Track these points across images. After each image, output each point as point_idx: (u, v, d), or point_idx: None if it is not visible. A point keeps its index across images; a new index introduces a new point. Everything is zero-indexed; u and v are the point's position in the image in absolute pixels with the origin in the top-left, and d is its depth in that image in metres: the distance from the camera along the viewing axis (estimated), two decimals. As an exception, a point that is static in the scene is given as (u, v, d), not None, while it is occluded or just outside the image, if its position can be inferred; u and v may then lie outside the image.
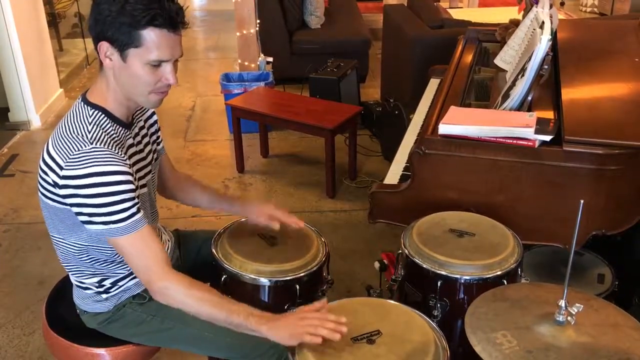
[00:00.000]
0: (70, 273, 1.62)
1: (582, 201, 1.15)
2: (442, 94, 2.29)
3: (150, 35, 1.35)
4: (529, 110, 1.97)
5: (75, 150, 1.37)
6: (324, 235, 1.84)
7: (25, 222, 3.30)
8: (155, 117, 1.71)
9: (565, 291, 1.19)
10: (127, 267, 1.57)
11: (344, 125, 3.42)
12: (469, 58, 2.64)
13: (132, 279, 1.59)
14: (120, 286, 1.59)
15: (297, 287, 1.65)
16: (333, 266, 1.87)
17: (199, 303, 1.41)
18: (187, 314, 1.44)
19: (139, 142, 1.58)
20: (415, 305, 1.52)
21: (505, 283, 1.59)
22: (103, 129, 1.43)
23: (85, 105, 1.46)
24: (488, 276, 1.60)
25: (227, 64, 5.94)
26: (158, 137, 1.73)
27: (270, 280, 1.65)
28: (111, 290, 1.59)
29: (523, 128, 1.79)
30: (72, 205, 1.39)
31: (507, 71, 2.31)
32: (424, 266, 1.64)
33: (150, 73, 1.39)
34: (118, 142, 1.45)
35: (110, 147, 1.39)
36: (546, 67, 1.96)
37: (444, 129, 1.88)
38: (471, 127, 1.85)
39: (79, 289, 1.61)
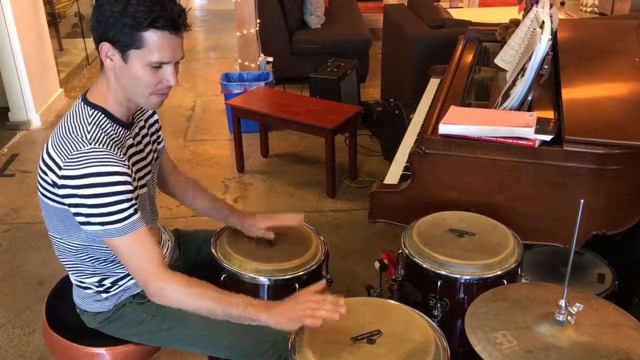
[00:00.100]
0: (70, 273, 1.62)
1: (582, 201, 1.15)
2: (442, 94, 2.29)
3: (152, 37, 1.35)
4: (529, 110, 1.97)
5: (74, 151, 1.36)
6: (323, 234, 1.83)
7: (25, 222, 3.30)
8: (155, 117, 1.71)
9: (566, 291, 1.19)
10: (127, 266, 1.57)
11: (344, 125, 3.42)
12: (469, 58, 2.64)
13: (132, 278, 1.59)
14: (120, 286, 1.59)
15: (297, 286, 1.65)
16: (333, 266, 1.87)
17: (197, 299, 1.41)
18: (188, 314, 1.44)
19: (139, 142, 1.58)
20: (415, 305, 1.52)
21: (506, 283, 1.59)
22: (102, 129, 1.43)
23: (85, 106, 1.46)
24: (488, 276, 1.60)
25: (227, 63, 5.94)
26: (159, 137, 1.73)
27: (269, 280, 1.65)
28: (111, 290, 1.59)
29: (523, 128, 1.79)
30: (70, 205, 1.39)
31: (507, 71, 2.31)
32: (424, 266, 1.64)
33: (151, 74, 1.39)
34: (117, 142, 1.45)
35: (109, 148, 1.39)
36: (546, 66, 1.96)
37: (444, 128, 1.88)
38: (471, 126, 1.85)
39: (79, 288, 1.61)
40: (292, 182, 3.67)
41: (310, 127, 3.43)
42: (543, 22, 1.97)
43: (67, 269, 1.61)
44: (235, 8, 4.48)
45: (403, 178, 2.09)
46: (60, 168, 1.37)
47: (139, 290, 1.60)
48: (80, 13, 6.03)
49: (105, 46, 1.37)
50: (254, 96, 3.86)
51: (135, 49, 1.35)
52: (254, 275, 1.65)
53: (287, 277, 1.65)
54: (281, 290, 1.66)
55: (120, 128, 1.49)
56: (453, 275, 1.61)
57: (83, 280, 1.58)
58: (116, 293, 1.59)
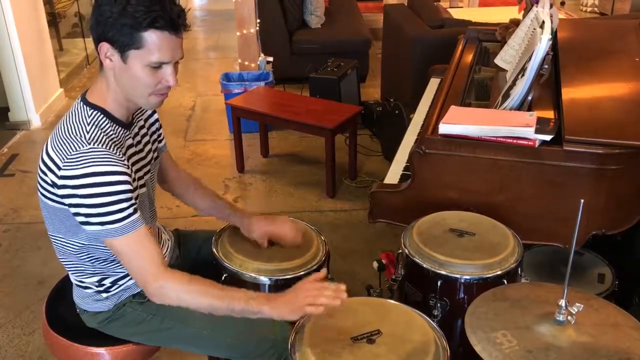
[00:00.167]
0: (70, 272, 1.62)
1: (582, 201, 1.15)
2: (442, 94, 2.29)
3: (152, 37, 1.34)
4: (529, 109, 1.97)
5: (73, 151, 1.36)
6: (324, 234, 1.84)
7: (25, 222, 3.30)
8: (155, 116, 1.71)
9: (566, 291, 1.19)
10: (127, 266, 1.57)
11: (344, 125, 3.42)
12: (469, 58, 2.64)
13: (132, 277, 1.59)
14: (120, 285, 1.59)
15: (297, 286, 1.65)
16: (333, 266, 1.87)
17: (197, 296, 1.41)
18: (188, 314, 1.44)
19: (139, 142, 1.58)
20: (415, 305, 1.52)
21: (506, 283, 1.59)
22: (102, 129, 1.43)
23: (85, 106, 1.45)
24: (488, 276, 1.60)
25: (227, 63, 5.94)
26: (159, 136, 1.73)
27: (270, 279, 1.65)
28: (111, 290, 1.59)
29: (523, 128, 1.79)
30: (70, 205, 1.39)
31: (507, 71, 2.31)
32: (424, 266, 1.64)
33: (150, 75, 1.39)
34: (117, 142, 1.45)
35: (108, 148, 1.39)
36: (546, 66, 1.96)
37: (444, 128, 1.88)
38: (471, 126, 1.85)
39: (79, 288, 1.61)
40: (292, 182, 3.67)
41: (310, 127, 3.43)
42: (543, 22, 1.97)
43: (67, 268, 1.61)
44: (235, 8, 4.48)
45: (403, 178, 2.09)
46: (59, 168, 1.37)
47: (139, 290, 1.60)
48: (80, 13, 6.03)
49: (105, 46, 1.37)
50: (254, 96, 3.86)
51: (135, 49, 1.35)
52: (255, 275, 1.65)
53: (288, 276, 1.65)
54: (282, 290, 1.66)
55: (120, 128, 1.49)
56: (453, 275, 1.61)
57: (83, 280, 1.58)
58: (116, 293, 1.59)
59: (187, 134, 4.37)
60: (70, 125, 1.42)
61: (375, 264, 2.27)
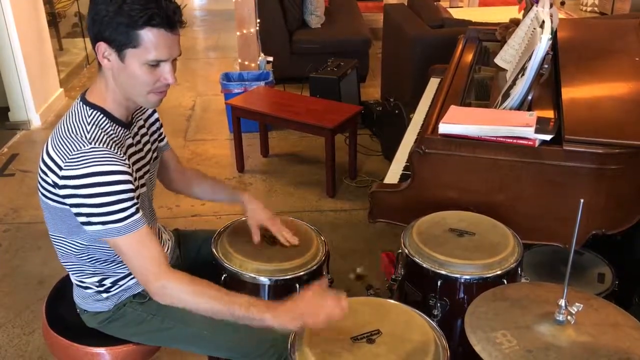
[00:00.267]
0: (70, 272, 1.62)
1: (582, 200, 1.15)
2: (442, 94, 2.29)
3: (148, 35, 1.34)
4: (529, 109, 1.97)
5: (75, 151, 1.36)
6: (324, 234, 1.83)
7: (25, 221, 3.30)
8: (156, 115, 1.71)
9: (565, 290, 1.19)
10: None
11: (344, 124, 3.42)
12: (469, 57, 2.64)
13: (132, 278, 1.59)
14: (121, 285, 1.59)
15: (297, 286, 1.65)
16: (333, 266, 1.87)
17: (199, 299, 1.40)
18: (188, 313, 1.43)
19: (138, 142, 1.58)
20: (415, 305, 1.52)
21: (505, 282, 1.59)
22: (102, 129, 1.43)
23: (85, 106, 1.45)
24: (488, 276, 1.60)
25: (227, 63, 5.94)
26: (160, 135, 1.73)
27: (270, 279, 1.65)
28: (111, 290, 1.59)
29: (523, 127, 1.79)
30: (71, 205, 1.39)
31: (507, 70, 2.31)
32: (424, 266, 1.64)
33: (148, 73, 1.39)
34: (117, 142, 1.45)
35: (109, 147, 1.39)
36: (546, 66, 1.96)
37: (444, 128, 1.88)
38: (471, 126, 1.85)
39: (79, 288, 1.61)
40: (292, 182, 3.67)
41: (310, 126, 3.43)
42: (543, 21, 1.97)
43: (67, 269, 1.61)
44: (235, 8, 4.48)
45: (403, 178, 2.09)
46: (60, 168, 1.36)
47: (139, 290, 1.60)
48: (80, 12, 6.03)
49: (102, 46, 1.37)
50: (254, 96, 3.86)
51: (132, 48, 1.35)
52: (254, 275, 1.65)
53: (288, 277, 1.65)
54: (282, 290, 1.66)
55: (120, 128, 1.49)
56: (453, 275, 1.61)
57: (83, 280, 1.58)
58: (116, 293, 1.59)
59: (187, 134, 4.37)
60: (71, 125, 1.42)
61: (351, 276, 2.29)
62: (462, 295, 1.64)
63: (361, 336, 1.36)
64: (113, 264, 1.55)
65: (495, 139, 1.82)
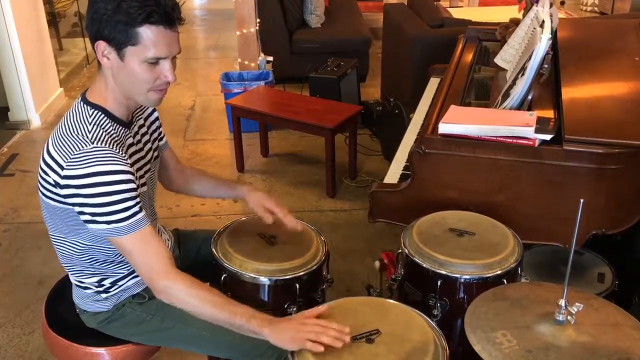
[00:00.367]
0: (69, 273, 1.61)
1: (582, 200, 1.15)
2: (442, 93, 2.29)
3: (147, 32, 1.34)
4: (529, 109, 1.97)
5: (76, 150, 1.36)
6: (324, 234, 1.83)
7: (25, 221, 3.30)
8: (155, 114, 1.71)
9: (565, 290, 1.19)
10: (127, 266, 1.57)
11: (344, 124, 3.42)
12: (469, 57, 2.63)
13: (131, 278, 1.59)
14: (120, 286, 1.59)
15: (297, 286, 1.64)
16: (333, 265, 1.86)
17: (201, 303, 1.40)
18: (187, 313, 1.43)
19: (139, 141, 1.58)
20: (415, 305, 1.52)
21: (505, 282, 1.59)
22: (103, 128, 1.43)
23: (85, 105, 1.45)
24: (488, 275, 1.60)
25: (227, 63, 5.94)
26: (160, 134, 1.73)
27: (270, 279, 1.65)
28: (111, 290, 1.59)
29: (523, 127, 1.79)
30: (73, 205, 1.39)
31: (507, 70, 2.31)
32: (424, 265, 1.64)
33: (148, 71, 1.39)
34: (118, 141, 1.45)
35: (111, 147, 1.39)
36: (546, 66, 1.96)
37: (444, 128, 1.88)
38: (471, 126, 1.85)
39: (79, 288, 1.61)
40: (292, 182, 3.67)
41: (310, 126, 3.43)
42: (543, 21, 1.97)
43: (66, 269, 1.61)
44: (235, 7, 4.48)
45: (403, 177, 2.09)
46: (62, 168, 1.36)
47: (138, 290, 1.60)
48: (80, 12, 6.03)
49: (101, 45, 1.37)
50: (254, 96, 3.86)
51: (131, 46, 1.35)
52: (254, 275, 1.65)
53: (288, 277, 1.65)
54: (281, 290, 1.66)
55: (120, 127, 1.49)
56: (453, 275, 1.61)
57: (83, 280, 1.58)
58: (116, 293, 1.59)
59: (186, 134, 4.37)
60: (72, 124, 1.42)
61: (377, 264, 2.27)
62: (462, 295, 1.63)
63: (361, 336, 1.36)
64: (112, 264, 1.55)
65: (495, 138, 1.82)
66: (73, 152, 1.36)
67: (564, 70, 2.16)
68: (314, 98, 3.94)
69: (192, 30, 7.34)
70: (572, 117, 1.85)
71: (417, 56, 3.69)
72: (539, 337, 1.18)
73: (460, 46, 2.78)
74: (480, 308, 1.28)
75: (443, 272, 1.61)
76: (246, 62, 4.63)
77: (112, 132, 1.45)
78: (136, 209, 1.39)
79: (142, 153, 1.58)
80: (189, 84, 5.41)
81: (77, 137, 1.38)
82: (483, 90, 2.47)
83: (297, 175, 3.75)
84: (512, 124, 1.81)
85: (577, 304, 1.18)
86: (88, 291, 1.59)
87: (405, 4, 4.72)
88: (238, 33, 4.56)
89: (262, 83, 4.17)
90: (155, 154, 1.67)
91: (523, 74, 1.95)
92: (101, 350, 1.61)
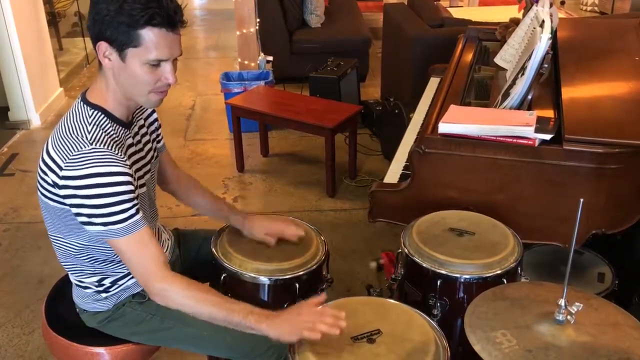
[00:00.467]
0: (69, 272, 1.61)
1: (581, 200, 1.15)
2: (442, 93, 2.29)
3: (149, 34, 1.34)
4: (529, 109, 1.97)
5: (75, 151, 1.36)
6: (324, 234, 1.83)
7: (25, 221, 3.30)
8: (155, 116, 1.71)
9: (565, 290, 1.19)
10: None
11: (344, 124, 3.42)
12: (469, 57, 2.63)
13: (131, 277, 1.59)
14: (120, 285, 1.59)
15: (297, 285, 1.65)
16: (333, 265, 1.86)
17: (198, 303, 1.41)
18: (187, 314, 1.43)
19: (139, 142, 1.57)
20: (415, 305, 1.52)
21: (505, 282, 1.59)
22: (103, 129, 1.43)
23: (85, 105, 1.45)
24: (488, 275, 1.60)
25: (227, 63, 5.94)
26: (158, 135, 1.73)
27: (269, 279, 1.65)
28: (111, 290, 1.59)
29: (523, 127, 1.79)
30: (71, 205, 1.39)
31: (507, 70, 2.31)
32: (424, 265, 1.64)
33: (149, 73, 1.39)
34: (118, 142, 1.45)
35: (110, 148, 1.39)
36: (546, 65, 1.96)
37: (443, 127, 1.88)
38: (471, 126, 1.85)
39: (79, 288, 1.61)
40: (292, 182, 3.66)
41: (310, 126, 3.43)
42: (543, 21, 1.97)
43: (66, 268, 1.61)
44: (235, 7, 4.48)
45: (403, 177, 2.09)
46: (61, 168, 1.36)
47: (138, 290, 1.60)
48: (80, 12, 6.03)
49: (103, 46, 1.37)
50: (254, 95, 3.86)
51: (133, 48, 1.35)
52: (254, 275, 1.65)
53: (288, 276, 1.65)
54: (281, 290, 1.66)
55: (120, 128, 1.48)
56: (453, 275, 1.61)
57: (82, 279, 1.58)
58: (116, 292, 1.59)
59: (186, 134, 4.37)
60: (71, 125, 1.42)
61: (373, 264, 2.27)
62: (461, 294, 1.63)
63: (361, 336, 1.36)
64: (112, 263, 1.55)
65: (495, 138, 1.82)
66: (72, 152, 1.36)
67: (563, 70, 2.16)
68: (314, 98, 3.94)
69: (192, 30, 7.34)
70: (572, 117, 1.85)
71: (417, 56, 3.69)
72: (539, 336, 1.18)
73: (460, 46, 2.78)
74: (480, 308, 1.28)
75: (443, 271, 1.61)
76: (246, 62, 4.63)
77: (112, 132, 1.45)
78: (133, 211, 1.39)
79: (142, 153, 1.58)
80: (189, 84, 5.41)
81: (76, 137, 1.38)
82: (483, 90, 2.47)
83: (297, 175, 3.75)
84: (512, 123, 1.81)
85: (576, 303, 1.18)
86: (88, 291, 1.59)
87: (405, 4, 4.72)
88: (238, 33, 4.56)
89: (262, 83, 4.17)
90: (155, 154, 1.67)
91: (523, 74, 1.95)
92: (101, 350, 1.61)
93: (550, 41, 1.92)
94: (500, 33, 2.75)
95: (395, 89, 4.12)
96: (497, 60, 2.47)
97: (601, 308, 1.27)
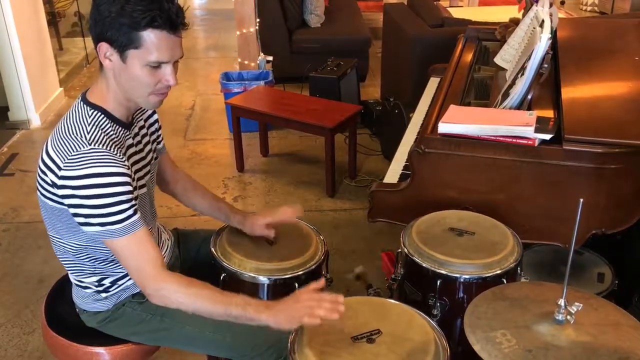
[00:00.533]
0: (69, 272, 1.61)
1: (581, 200, 1.15)
2: (442, 93, 2.29)
3: (150, 36, 1.34)
4: (529, 109, 1.97)
5: (74, 151, 1.36)
6: (323, 234, 1.83)
7: (25, 221, 3.30)
8: (155, 116, 1.71)
9: (565, 290, 1.19)
10: (127, 266, 1.57)
11: (344, 124, 3.42)
12: (468, 57, 2.64)
13: (131, 277, 1.58)
14: (120, 285, 1.59)
15: (296, 285, 1.64)
16: (333, 265, 1.86)
17: (196, 300, 1.41)
18: (187, 313, 1.43)
19: (139, 142, 1.57)
20: (414, 305, 1.52)
21: (505, 282, 1.59)
22: (102, 129, 1.43)
23: (85, 105, 1.45)
24: (487, 275, 1.60)
25: (227, 62, 5.94)
26: (158, 137, 1.73)
27: (269, 279, 1.65)
28: (110, 289, 1.59)
29: (523, 127, 1.79)
30: (69, 205, 1.39)
31: (507, 70, 2.31)
32: (424, 265, 1.64)
33: (149, 74, 1.39)
34: (117, 142, 1.45)
35: (109, 148, 1.39)
36: (546, 65, 1.96)
37: (443, 127, 1.88)
38: (471, 125, 1.85)
39: (79, 288, 1.61)
40: (292, 182, 3.67)
41: (310, 126, 3.43)
42: (543, 21, 1.97)
43: (66, 268, 1.61)
44: (235, 7, 4.48)
45: (403, 177, 2.09)
46: (60, 168, 1.36)
47: (138, 290, 1.60)
48: (80, 12, 6.03)
49: (104, 46, 1.37)
50: (254, 95, 3.86)
51: (134, 49, 1.35)
52: (253, 275, 1.65)
53: (287, 276, 1.65)
54: (281, 290, 1.66)
55: (120, 128, 1.48)
56: (452, 275, 1.61)
57: (82, 279, 1.58)
58: (115, 292, 1.59)
59: (186, 134, 4.37)
60: (71, 125, 1.42)
61: (353, 273, 2.29)
62: (461, 294, 1.63)
63: (361, 336, 1.36)
64: (112, 263, 1.55)
65: (495, 138, 1.82)
66: (71, 152, 1.36)
67: (563, 70, 2.16)
68: (314, 98, 3.94)
69: (192, 30, 7.34)
70: (572, 117, 1.85)
71: (417, 56, 3.69)
72: (539, 336, 1.18)
73: (460, 46, 2.78)
74: (480, 308, 1.28)
75: (443, 271, 1.61)
76: (246, 62, 4.63)
77: (112, 133, 1.45)
78: (131, 211, 1.39)
79: (142, 154, 1.58)
80: (189, 84, 5.41)
81: (76, 138, 1.38)
82: (483, 90, 2.47)
83: (297, 175, 3.75)
84: (511, 123, 1.81)
85: (576, 303, 1.18)
86: (88, 290, 1.59)
87: (405, 4, 4.71)
88: (238, 33, 4.56)
89: (262, 83, 4.17)
90: (155, 155, 1.67)
91: (523, 74, 1.95)
92: (101, 350, 1.61)
93: (550, 41, 1.92)
94: (500, 33, 2.75)
95: (395, 89, 4.12)
96: (497, 60, 2.47)
97: (601, 308, 1.27)
